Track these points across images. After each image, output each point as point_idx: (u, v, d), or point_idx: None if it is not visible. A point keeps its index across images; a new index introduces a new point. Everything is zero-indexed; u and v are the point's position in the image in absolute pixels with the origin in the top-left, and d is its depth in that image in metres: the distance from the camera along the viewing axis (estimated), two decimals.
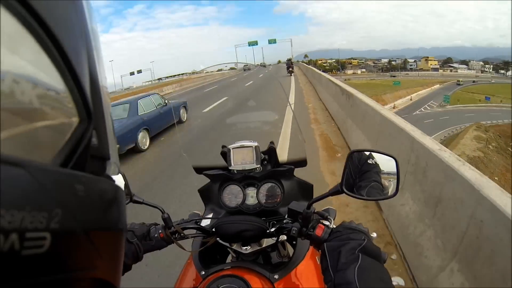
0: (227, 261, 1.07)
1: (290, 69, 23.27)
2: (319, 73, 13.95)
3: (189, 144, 3.54)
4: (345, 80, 58.98)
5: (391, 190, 0.75)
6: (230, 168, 1.05)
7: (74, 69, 0.25)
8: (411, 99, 57.25)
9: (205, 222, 1.01)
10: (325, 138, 5.69)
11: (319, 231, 0.74)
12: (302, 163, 1.13)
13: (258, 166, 1.04)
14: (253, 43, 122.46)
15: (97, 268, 0.26)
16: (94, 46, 0.30)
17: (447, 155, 1.91)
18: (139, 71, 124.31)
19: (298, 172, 1.09)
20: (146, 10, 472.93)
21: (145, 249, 0.86)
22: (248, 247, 0.93)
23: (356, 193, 0.72)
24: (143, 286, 2.14)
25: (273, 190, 1.07)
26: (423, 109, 50.60)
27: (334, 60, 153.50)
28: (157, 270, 2.28)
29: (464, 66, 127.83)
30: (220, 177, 1.09)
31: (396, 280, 2.07)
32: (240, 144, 1.04)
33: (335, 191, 0.72)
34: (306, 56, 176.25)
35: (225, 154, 1.06)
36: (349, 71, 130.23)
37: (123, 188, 0.34)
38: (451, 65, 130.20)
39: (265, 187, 1.08)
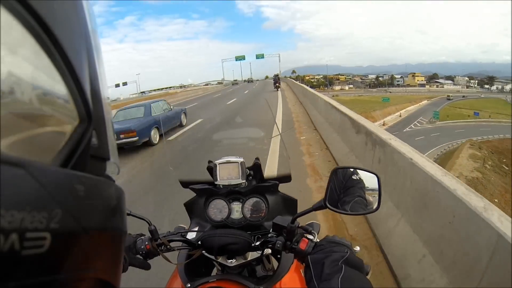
0: (212, 274, 1.06)
1: (277, 84, 24.05)
2: (312, 93, 10.91)
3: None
4: (333, 96, 58.04)
5: (374, 204, 0.77)
6: (216, 182, 1.04)
7: (74, 70, 0.25)
8: (400, 116, 56.55)
9: (191, 235, 1.00)
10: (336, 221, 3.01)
11: (303, 245, 0.76)
12: (286, 178, 1.10)
13: (244, 181, 1.04)
14: (240, 58, 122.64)
15: (97, 268, 0.26)
16: (94, 46, 0.30)
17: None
18: (125, 83, 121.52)
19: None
20: (137, 22, 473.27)
21: (130, 261, 0.85)
22: (234, 260, 0.93)
23: (340, 208, 0.75)
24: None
25: (258, 205, 1.07)
26: (413, 126, 49.94)
27: (321, 76, 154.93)
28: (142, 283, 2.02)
29: (450, 81, 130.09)
30: (206, 191, 1.09)
31: None
32: (226, 159, 1.03)
33: (319, 206, 0.75)
34: (294, 71, 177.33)
35: (211, 169, 1.05)
36: (337, 87, 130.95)
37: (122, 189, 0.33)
38: (437, 80, 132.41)
39: (250, 201, 1.07)
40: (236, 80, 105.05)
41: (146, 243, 0.88)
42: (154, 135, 7.33)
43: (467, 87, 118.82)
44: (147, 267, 0.89)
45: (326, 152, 5.26)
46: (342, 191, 0.77)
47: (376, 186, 0.77)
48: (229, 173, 1.03)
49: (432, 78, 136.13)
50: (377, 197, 0.77)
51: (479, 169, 23.74)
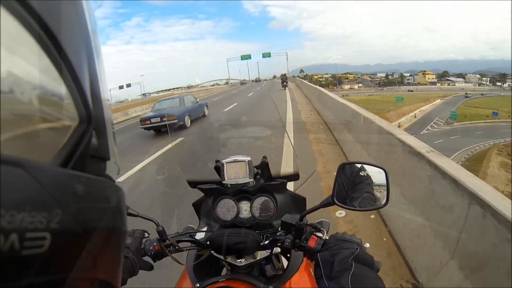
0: (221, 274, 1.06)
1: (284, 83, 24.79)
2: (332, 98, 8.45)
3: None
4: (343, 96, 55.70)
5: (382, 200, 0.76)
6: (223, 182, 1.04)
7: (74, 70, 0.25)
8: (415, 116, 53.85)
9: (199, 235, 1.00)
10: None
11: (312, 243, 0.77)
12: (294, 176, 1.11)
13: (252, 180, 1.03)
14: (246, 57, 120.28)
15: (97, 269, 0.26)
16: (94, 46, 0.29)
17: None
18: (128, 85, 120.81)
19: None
20: (143, 23, 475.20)
21: (140, 265, 0.86)
22: (243, 260, 0.93)
23: (348, 204, 0.74)
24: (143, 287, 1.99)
25: (266, 204, 1.07)
26: (430, 128, 47.42)
27: (330, 75, 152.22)
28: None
29: (461, 79, 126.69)
30: (214, 191, 1.09)
31: None
32: (234, 158, 1.03)
33: (327, 203, 0.74)
34: (302, 70, 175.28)
35: (219, 169, 1.04)
36: (346, 86, 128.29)
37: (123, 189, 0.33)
38: (448, 78, 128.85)
39: (259, 200, 1.07)
40: (244, 80, 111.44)
41: (155, 244, 0.88)
42: (187, 120, 9.51)
43: (479, 85, 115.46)
44: (149, 268, 0.89)
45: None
46: (350, 187, 0.76)
47: (383, 181, 0.76)
48: (236, 172, 1.02)
49: (443, 76, 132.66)
50: (385, 193, 0.76)
51: None
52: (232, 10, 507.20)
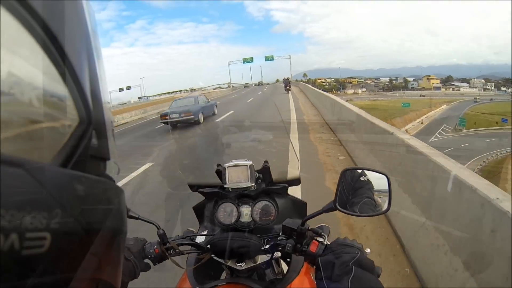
0: (221, 278, 1.05)
1: (287, 87, 25.35)
2: (346, 107, 7.09)
3: None
4: (347, 100, 54.34)
5: (383, 206, 0.76)
6: (225, 186, 1.04)
7: (74, 70, 0.25)
8: (422, 123, 52.05)
9: (200, 239, 1.00)
10: None
11: (313, 247, 0.77)
12: (295, 181, 1.11)
13: (253, 184, 1.03)
14: (248, 60, 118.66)
15: (97, 269, 0.26)
16: (94, 46, 0.29)
17: None
18: (128, 87, 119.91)
19: None
20: (147, 26, 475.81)
21: (141, 267, 0.86)
22: (243, 264, 0.92)
23: (349, 209, 0.74)
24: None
25: (267, 208, 1.06)
26: (438, 135, 45.54)
27: (333, 79, 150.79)
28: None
29: (466, 84, 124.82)
30: (215, 194, 1.09)
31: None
32: (235, 162, 1.03)
33: (329, 208, 0.75)
34: (305, 75, 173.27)
35: (220, 173, 1.04)
36: (350, 91, 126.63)
37: (123, 190, 0.33)
38: (453, 83, 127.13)
39: (260, 205, 1.07)
40: (247, 84, 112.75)
41: (155, 247, 0.88)
42: (201, 117, 10.64)
43: (483, 90, 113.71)
44: (147, 268, 0.88)
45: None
46: (351, 192, 0.76)
47: (385, 187, 0.76)
48: (238, 176, 1.02)
49: (447, 81, 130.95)
50: (386, 198, 0.76)
51: None
52: (236, 14, 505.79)
